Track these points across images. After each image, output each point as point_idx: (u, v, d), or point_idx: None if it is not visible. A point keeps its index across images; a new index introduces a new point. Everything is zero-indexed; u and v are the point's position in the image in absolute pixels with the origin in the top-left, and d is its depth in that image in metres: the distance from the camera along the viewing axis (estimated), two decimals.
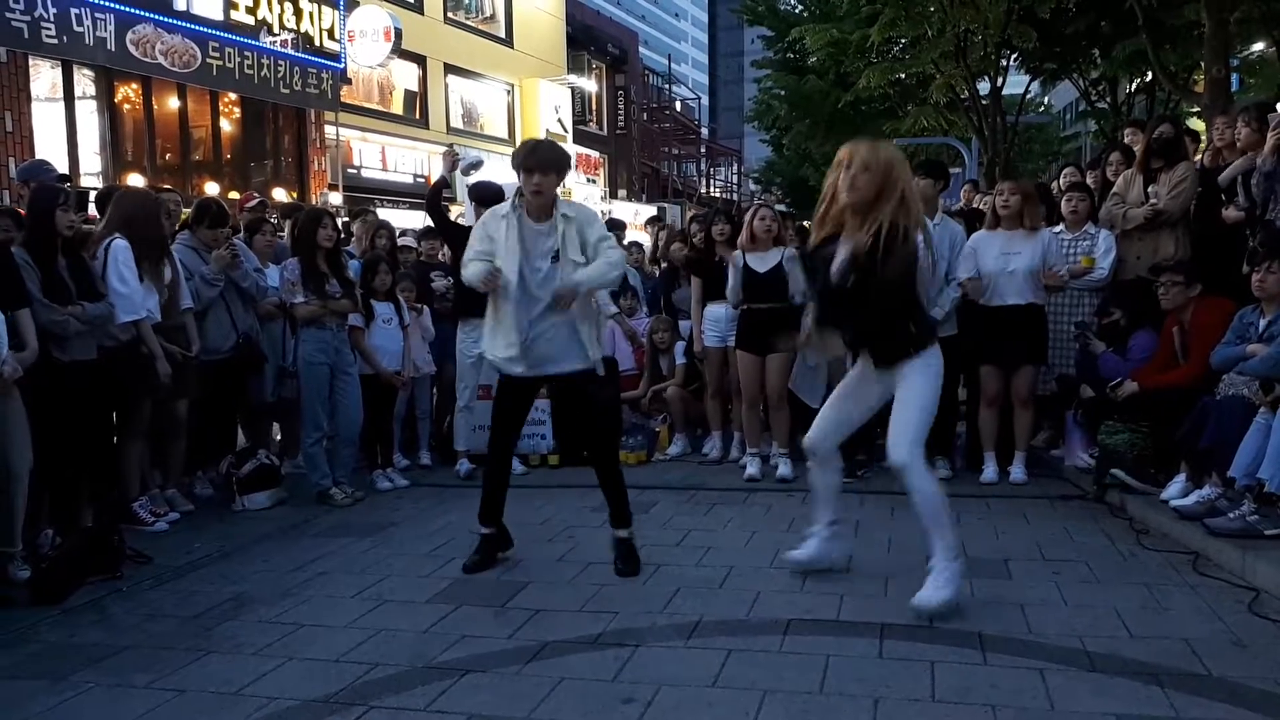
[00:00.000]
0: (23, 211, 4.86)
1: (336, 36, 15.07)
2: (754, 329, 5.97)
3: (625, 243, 8.28)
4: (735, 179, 45.75)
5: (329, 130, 15.49)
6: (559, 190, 4.35)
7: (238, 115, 14.30)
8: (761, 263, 5.93)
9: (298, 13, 14.26)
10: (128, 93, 12.61)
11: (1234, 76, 14.83)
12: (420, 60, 19.16)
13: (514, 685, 3.19)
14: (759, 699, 3.02)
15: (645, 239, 9.03)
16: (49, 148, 11.02)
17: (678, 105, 39.56)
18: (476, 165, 6.70)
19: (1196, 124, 16.33)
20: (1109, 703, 2.94)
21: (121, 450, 5.13)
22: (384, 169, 17.99)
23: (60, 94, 11.68)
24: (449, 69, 20.16)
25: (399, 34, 16.15)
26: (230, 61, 12.84)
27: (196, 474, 5.94)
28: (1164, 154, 5.83)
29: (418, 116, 19.42)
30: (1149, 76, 18.18)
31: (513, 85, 22.39)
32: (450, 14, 20.53)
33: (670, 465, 6.65)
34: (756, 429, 6.20)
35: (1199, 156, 6.53)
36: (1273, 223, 5.15)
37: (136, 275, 4.98)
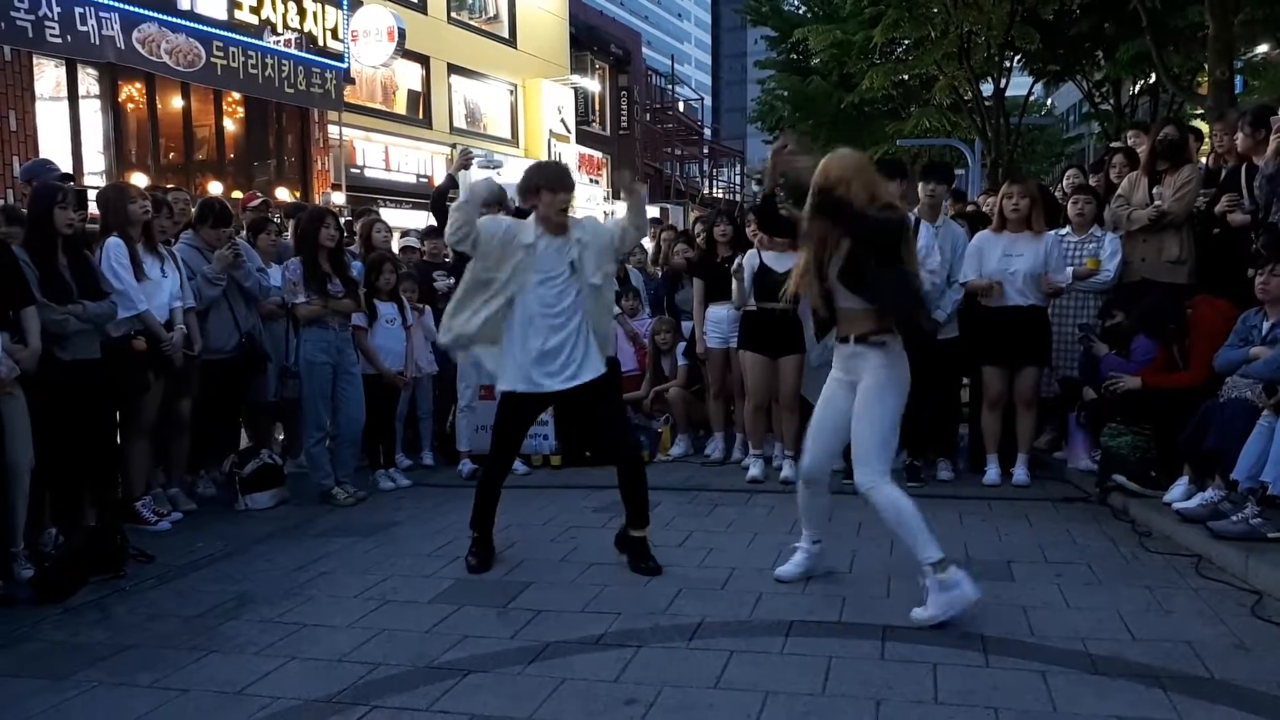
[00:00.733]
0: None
1: (340, 36, 15.09)
2: (765, 330, 5.94)
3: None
4: (738, 180, 45.74)
5: (332, 130, 15.51)
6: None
7: (241, 115, 14.31)
8: (779, 263, 5.87)
9: (301, 12, 14.28)
10: (131, 92, 12.62)
11: (1238, 79, 14.82)
12: (424, 60, 19.17)
13: (516, 686, 3.19)
14: (761, 700, 3.02)
15: (646, 240, 9.01)
16: (53, 147, 11.04)
17: (681, 106, 39.57)
18: (497, 165, 6.70)
19: (1200, 125, 16.33)
20: (1111, 705, 2.94)
21: (124, 449, 5.14)
22: (387, 169, 18.01)
23: (64, 93, 11.70)
24: (452, 69, 20.18)
25: (402, 34, 16.16)
26: (235, 61, 12.86)
27: (199, 473, 5.95)
28: (1168, 156, 5.83)
29: (421, 116, 19.43)
30: (1152, 78, 18.19)
31: (516, 85, 22.41)
32: (454, 14, 20.54)
33: (672, 466, 6.65)
34: (761, 431, 6.19)
35: (1203, 159, 6.52)
36: (1275, 226, 5.14)
37: (131, 272, 4.99)
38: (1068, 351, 5.97)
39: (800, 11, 26.71)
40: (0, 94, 10.64)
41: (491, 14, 22.31)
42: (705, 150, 41.68)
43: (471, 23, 21.46)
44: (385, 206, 15.23)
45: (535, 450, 6.64)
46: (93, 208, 5.31)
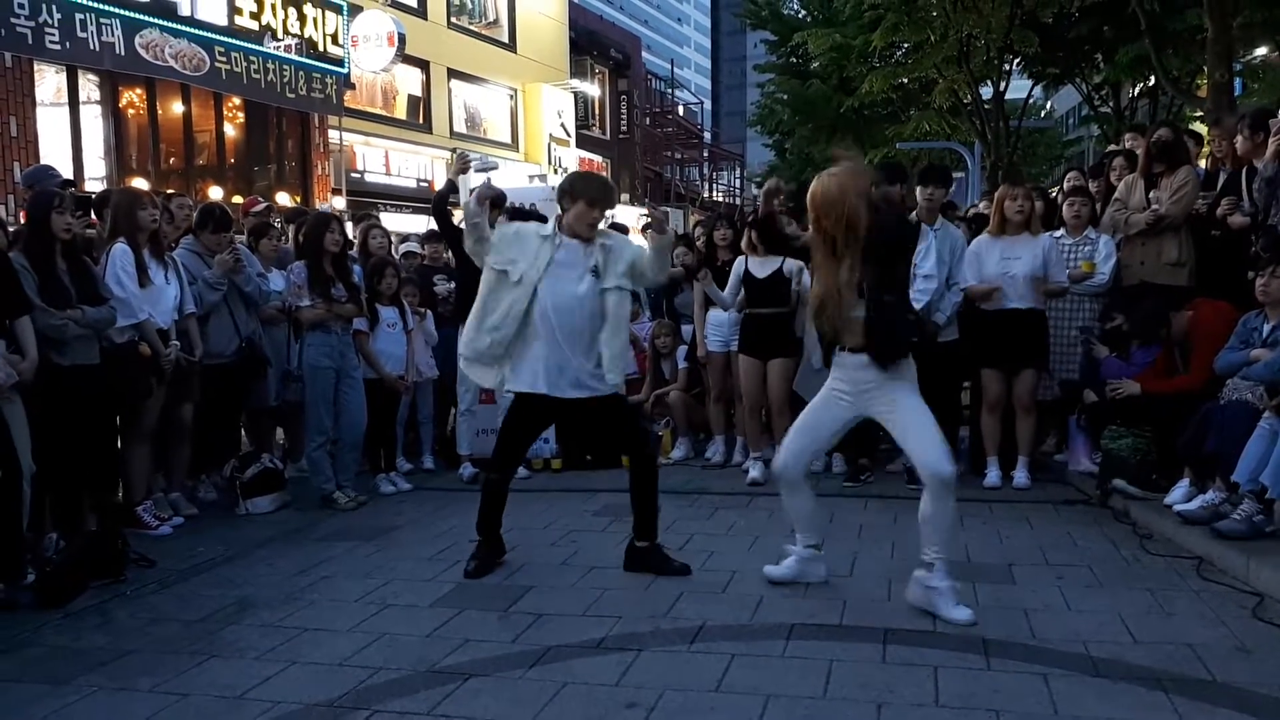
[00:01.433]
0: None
1: (340, 42, 15.12)
2: (755, 333, 6.01)
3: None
4: (738, 183, 45.79)
5: (333, 135, 15.52)
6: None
7: (242, 120, 14.33)
8: (761, 268, 5.94)
9: (301, 18, 14.30)
10: (132, 97, 12.64)
11: (1237, 81, 14.83)
12: (424, 65, 19.21)
13: (517, 689, 3.19)
14: (762, 704, 3.02)
15: (646, 244, 9.03)
16: (54, 152, 11.05)
17: (680, 110, 39.60)
18: (492, 167, 6.72)
19: (1199, 127, 16.35)
20: (1113, 708, 2.94)
21: (125, 454, 5.14)
22: (387, 173, 18.03)
23: (65, 99, 11.72)
24: (452, 74, 20.21)
25: (402, 39, 16.19)
26: (238, 66, 12.88)
27: (200, 478, 5.95)
28: (1163, 158, 5.83)
29: (421, 121, 19.46)
30: (1152, 81, 18.20)
31: (516, 90, 22.44)
32: (453, 19, 20.58)
33: (673, 470, 6.63)
34: (758, 433, 6.21)
35: (1202, 162, 6.53)
36: (1274, 228, 5.14)
37: (135, 280, 4.99)
38: (1067, 354, 5.97)
39: (800, 15, 26.77)
40: (1, 100, 10.65)
41: (491, 19, 22.34)
42: (705, 154, 41.73)
43: (471, 27, 21.49)
44: (386, 211, 15.25)
45: (536, 454, 6.63)
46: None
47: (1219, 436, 4.56)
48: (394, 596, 4.15)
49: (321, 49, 14.66)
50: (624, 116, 28.72)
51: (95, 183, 11.43)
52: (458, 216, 6.09)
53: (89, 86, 12.00)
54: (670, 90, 38.46)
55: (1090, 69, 19.98)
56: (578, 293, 4.23)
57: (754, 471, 6.08)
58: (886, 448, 6.01)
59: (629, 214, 22.74)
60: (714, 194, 41.22)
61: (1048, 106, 36.29)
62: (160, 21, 11.84)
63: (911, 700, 3.02)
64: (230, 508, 5.64)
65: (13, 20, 10.16)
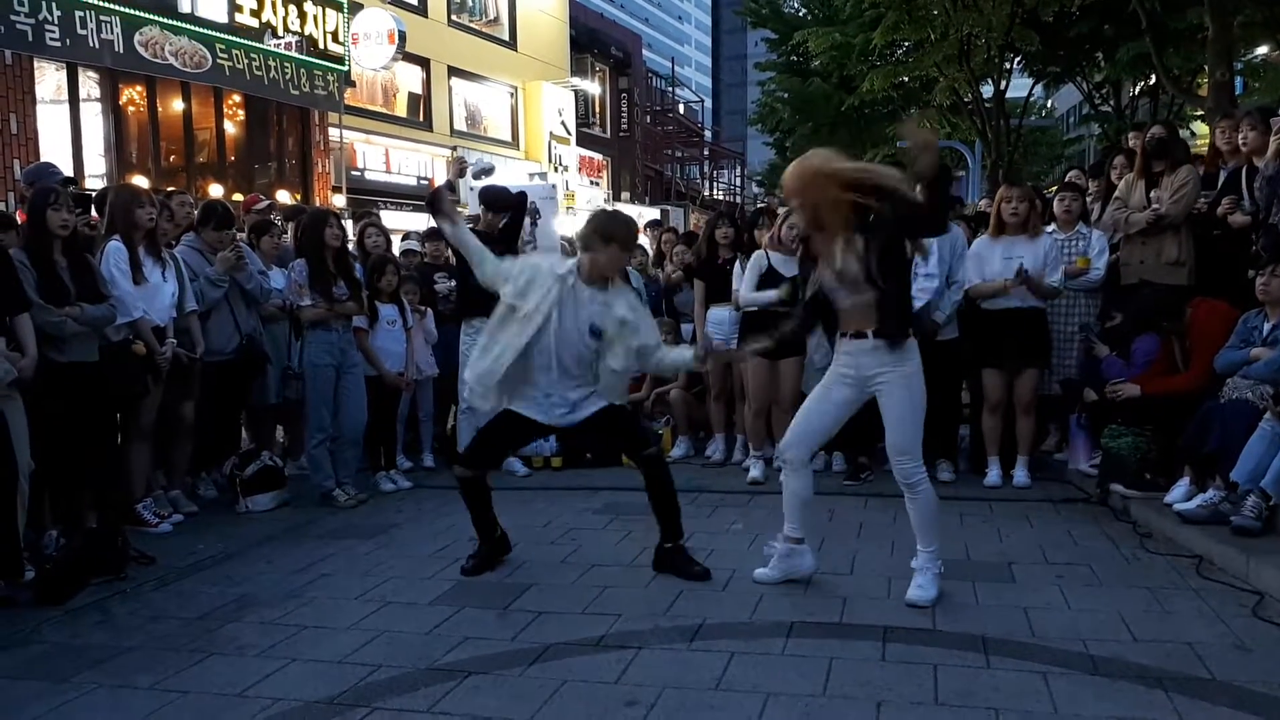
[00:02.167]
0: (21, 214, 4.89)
1: (341, 39, 15.11)
2: (762, 333, 5.94)
3: None
4: (738, 182, 45.77)
5: (333, 132, 15.52)
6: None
7: (242, 117, 14.32)
8: (787, 266, 5.88)
9: (301, 15, 14.29)
10: (132, 95, 12.64)
11: (1237, 80, 14.83)
12: (424, 63, 19.19)
13: (517, 687, 3.19)
14: (762, 702, 3.02)
15: (646, 242, 9.02)
16: (54, 150, 11.05)
17: (681, 108, 39.60)
18: (488, 171, 6.71)
19: (1200, 128, 16.35)
20: (1112, 706, 2.94)
21: (125, 452, 5.15)
22: (388, 171, 18.02)
23: (65, 96, 11.71)
24: (453, 71, 20.20)
25: (403, 36, 16.18)
26: (239, 63, 12.87)
27: (200, 475, 5.95)
28: (1159, 155, 5.84)
29: (421, 119, 19.45)
30: (1152, 80, 18.20)
31: (516, 88, 22.43)
32: (454, 17, 20.57)
33: (673, 468, 6.57)
34: (762, 433, 6.20)
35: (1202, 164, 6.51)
36: (1275, 227, 5.14)
37: (129, 277, 4.99)
38: (1067, 352, 5.97)
39: (800, 14, 26.75)
40: (1, 97, 10.65)
41: (492, 16, 22.32)
42: (705, 152, 41.72)
43: (472, 25, 21.48)
44: (386, 209, 15.23)
45: (536, 452, 6.63)
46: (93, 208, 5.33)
47: (1220, 435, 4.56)
48: (394, 594, 4.15)
49: (322, 46, 14.65)
50: (624, 115, 28.72)
51: (96, 180, 11.42)
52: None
53: (89, 84, 11.99)
54: (671, 88, 38.46)
55: (1091, 67, 19.98)
56: (581, 338, 4.17)
57: (754, 470, 6.07)
58: (884, 448, 6.00)
59: (629, 212, 22.76)
60: (714, 192, 41.21)
61: (1048, 105, 36.29)
62: (161, 19, 11.84)
63: (911, 698, 3.02)
64: (230, 505, 5.64)
65: (12, 18, 10.15)
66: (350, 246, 7.03)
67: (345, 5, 15.20)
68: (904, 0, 17.08)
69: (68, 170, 8.97)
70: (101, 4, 11.06)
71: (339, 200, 14.67)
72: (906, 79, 20.85)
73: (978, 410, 5.98)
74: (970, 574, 4.18)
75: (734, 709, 2.99)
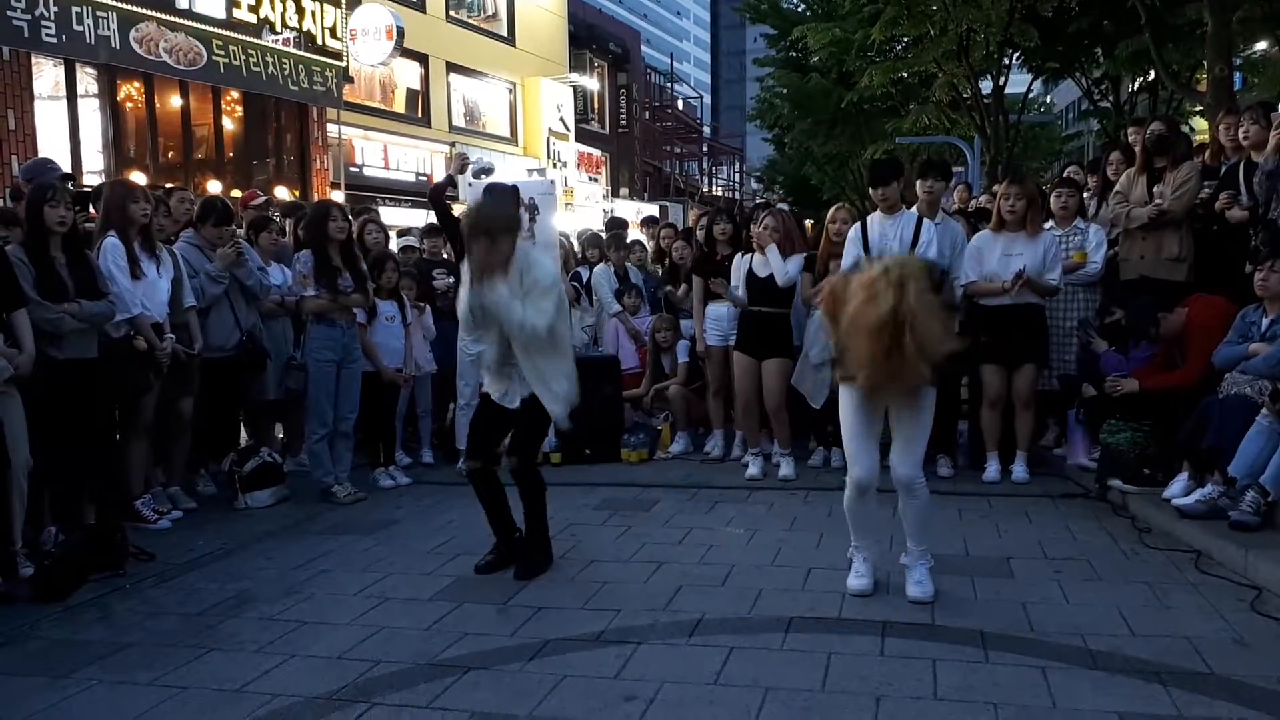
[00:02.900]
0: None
1: (339, 35, 15.08)
2: (753, 332, 5.98)
3: (628, 241, 8.28)
4: (737, 178, 45.75)
5: (331, 128, 15.49)
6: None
7: (240, 113, 14.29)
8: (763, 267, 5.92)
9: (300, 11, 14.26)
10: (130, 91, 12.61)
11: (1237, 76, 14.81)
12: (422, 59, 19.15)
13: (516, 682, 3.20)
14: (761, 696, 3.02)
15: (645, 238, 9.03)
16: (52, 146, 11.02)
17: (680, 104, 39.57)
18: (488, 171, 6.71)
19: (1199, 123, 16.34)
20: (1111, 700, 2.94)
21: (124, 448, 5.14)
22: (386, 167, 17.99)
23: (63, 92, 11.68)
24: (451, 67, 20.16)
25: (401, 32, 16.13)
26: (236, 59, 12.84)
27: (199, 472, 5.95)
28: (1159, 151, 5.84)
29: (420, 115, 19.42)
30: (1151, 75, 18.18)
31: (515, 84, 22.39)
32: (452, 12, 20.52)
33: (672, 463, 6.65)
34: (755, 429, 6.20)
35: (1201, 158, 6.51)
36: (1274, 222, 5.14)
37: (127, 273, 4.98)
38: (1066, 348, 5.97)
39: (799, 9, 26.72)
40: None
41: (490, 12, 22.28)
42: (704, 148, 41.69)
43: (470, 21, 21.44)
44: (384, 205, 15.21)
45: None
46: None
47: (1218, 430, 4.56)
48: (393, 590, 4.16)
49: (320, 42, 14.61)
50: (623, 110, 28.69)
51: (93, 176, 11.39)
52: (457, 210, 6.09)
53: (87, 80, 11.96)
54: (669, 84, 38.42)
55: (1090, 63, 19.94)
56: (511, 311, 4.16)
57: (753, 467, 6.08)
58: (885, 442, 6.00)
59: (628, 208, 22.79)
60: (713, 188, 41.19)
61: (1047, 101, 36.26)
62: (159, 15, 11.81)
63: (910, 693, 3.02)
64: (229, 501, 5.64)
65: (9, 13, 10.12)
66: None
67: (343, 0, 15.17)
68: None
69: (66, 166, 8.95)
70: None
71: (337, 196, 14.65)
72: (905, 74, 20.81)
73: (976, 406, 5.98)
74: (969, 569, 4.18)
75: (733, 704, 2.99)
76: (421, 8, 19.15)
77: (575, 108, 24.50)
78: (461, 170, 5.95)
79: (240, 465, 5.66)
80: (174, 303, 5.29)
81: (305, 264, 5.69)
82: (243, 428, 6.42)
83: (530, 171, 20.12)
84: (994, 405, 5.80)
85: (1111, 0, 15.40)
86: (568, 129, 23.63)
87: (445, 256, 7.07)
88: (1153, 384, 5.21)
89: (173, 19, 12.04)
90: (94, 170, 11.78)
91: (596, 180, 25.60)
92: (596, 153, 26.02)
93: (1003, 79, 19.33)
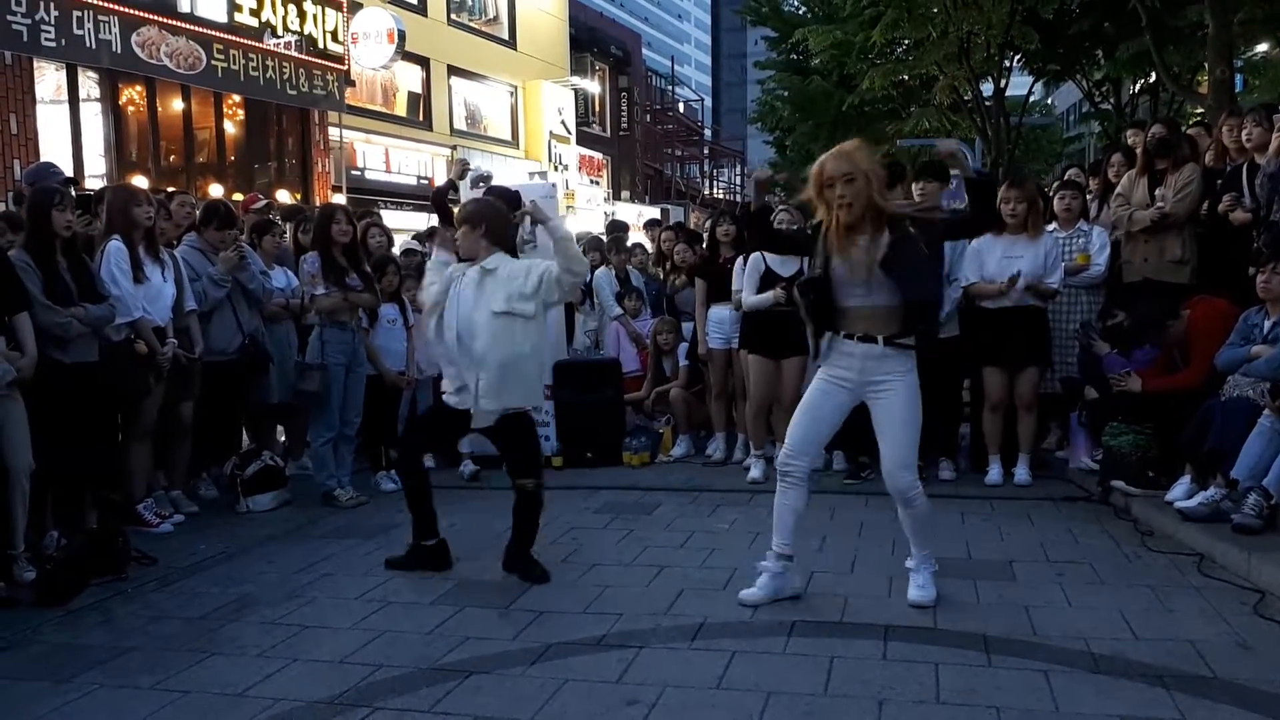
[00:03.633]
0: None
1: (340, 39, 15.09)
2: (767, 331, 5.94)
3: (629, 244, 8.29)
4: (739, 180, 45.73)
5: (333, 132, 15.50)
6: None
7: (242, 117, 14.31)
8: (784, 266, 5.87)
9: (301, 15, 14.27)
10: (132, 95, 12.62)
11: (1238, 77, 14.81)
12: (424, 62, 19.17)
13: (518, 687, 3.19)
14: (763, 700, 3.02)
15: (647, 240, 9.03)
16: (54, 150, 11.03)
17: (681, 107, 39.60)
18: (486, 179, 6.72)
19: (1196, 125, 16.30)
20: (1114, 704, 2.94)
21: (126, 452, 5.14)
22: (387, 171, 18.00)
23: (65, 96, 11.70)
24: (452, 71, 20.18)
25: (402, 36, 16.15)
26: (235, 63, 12.86)
27: (201, 476, 5.95)
28: (1160, 153, 5.83)
29: (421, 118, 19.43)
30: (1152, 78, 18.19)
31: (516, 87, 22.41)
32: (453, 16, 20.54)
33: (673, 467, 6.65)
34: (763, 432, 6.19)
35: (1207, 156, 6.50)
36: (1276, 224, 5.14)
37: (130, 277, 4.98)
38: (1069, 350, 5.97)
39: (800, 12, 26.72)
40: (1, 97, 10.64)
41: (491, 15, 22.30)
42: (705, 151, 41.73)
43: (471, 24, 21.45)
44: (386, 208, 15.22)
45: None
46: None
47: (1220, 433, 4.56)
48: (395, 594, 4.16)
49: (321, 46, 14.63)
50: (624, 113, 28.70)
51: (95, 180, 11.40)
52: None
53: (89, 84, 11.97)
54: (671, 87, 38.45)
55: (1091, 65, 19.96)
56: (463, 312, 4.28)
57: (755, 470, 6.07)
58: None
59: (629, 211, 22.79)
60: (714, 191, 41.20)
61: (1048, 103, 36.26)
62: (160, 19, 11.82)
63: (912, 697, 3.02)
64: (231, 505, 5.64)
65: (9, 18, 10.13)
66: None
67: (345, 4, 15.18)
68: None
69: (68, 170, 8.95)
70: (99, 3, 11.04)
71: (339, 199, 14.65)
72: (906, 77, 20.82)
73: (978, 408, 5.98)
74: (971, 572, 4.18)
75: (735, 708, 2.99)
76: (423, 11, 19.17)
77: (576, 111, 24.53)
78: (462, 176, 5.96)
79: (242, 469, 5.66)
80: (175, 306, 5.30)
81: (313, 264, 5.72)
82: (244, 431, 6.42)
83: (531, 175, 20.14)
84: (995, 408, 5.80)
85: (1112, 2, 15.41)
86: (569, 132, 23.65)
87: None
88: (1155, 386, 5.21)
89: (174, 23, 12.05)
90: (96, 174, 11.79)
91: (598, 183, 25.62)
92: (598, 156, 26.03)
93: (1004, 81, 19.34)
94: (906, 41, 19.68)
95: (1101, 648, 3.35)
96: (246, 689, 3.22)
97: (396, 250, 7.65)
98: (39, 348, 4.26)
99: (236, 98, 13.87)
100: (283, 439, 6.76)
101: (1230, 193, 5.58)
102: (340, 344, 5.68)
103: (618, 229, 9.28)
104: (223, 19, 13.03)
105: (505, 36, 22.35)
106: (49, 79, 11.52)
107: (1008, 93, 20.05)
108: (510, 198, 6.55)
